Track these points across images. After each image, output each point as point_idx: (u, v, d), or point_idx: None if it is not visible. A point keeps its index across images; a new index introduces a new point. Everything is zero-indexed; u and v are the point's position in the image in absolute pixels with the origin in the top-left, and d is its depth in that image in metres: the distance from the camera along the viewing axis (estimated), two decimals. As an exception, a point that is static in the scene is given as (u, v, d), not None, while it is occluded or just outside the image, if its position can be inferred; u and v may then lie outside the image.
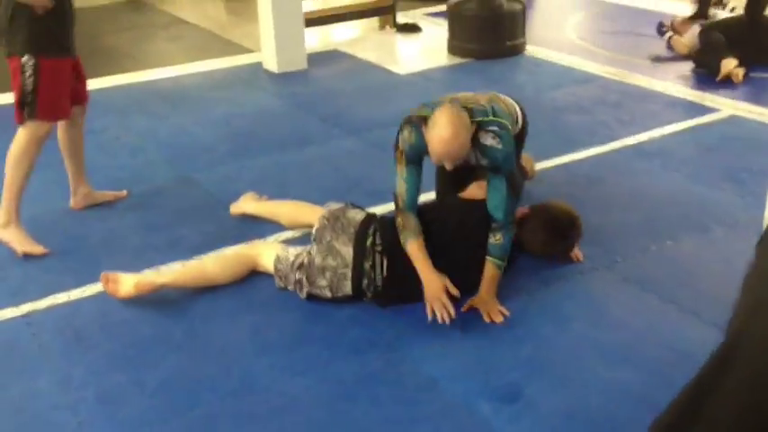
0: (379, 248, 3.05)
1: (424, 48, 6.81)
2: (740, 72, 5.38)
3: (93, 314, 3.10)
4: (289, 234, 3.62)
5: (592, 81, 5.75)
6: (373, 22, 7.53)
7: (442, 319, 2.90)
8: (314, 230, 3.17)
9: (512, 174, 3.04)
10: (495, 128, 2.99)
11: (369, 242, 3.05)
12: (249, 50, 6.85)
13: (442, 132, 2.84)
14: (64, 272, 3.40)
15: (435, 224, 3.11)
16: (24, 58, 3.44)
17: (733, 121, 4.90)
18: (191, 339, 2.95)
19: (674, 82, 5.58)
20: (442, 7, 7.54)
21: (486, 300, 3.02)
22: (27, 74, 3.45)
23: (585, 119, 5.06)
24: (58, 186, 4.12)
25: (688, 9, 7.03)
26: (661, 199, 3.96)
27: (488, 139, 2.97)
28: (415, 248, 2.99)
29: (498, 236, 3.02)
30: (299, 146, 4.76)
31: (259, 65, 6.33)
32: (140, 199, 4.12)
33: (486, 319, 2.98)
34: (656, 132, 4.76)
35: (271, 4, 5.97)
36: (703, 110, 5.06)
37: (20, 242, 3.55)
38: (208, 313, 3.10)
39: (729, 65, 5.36)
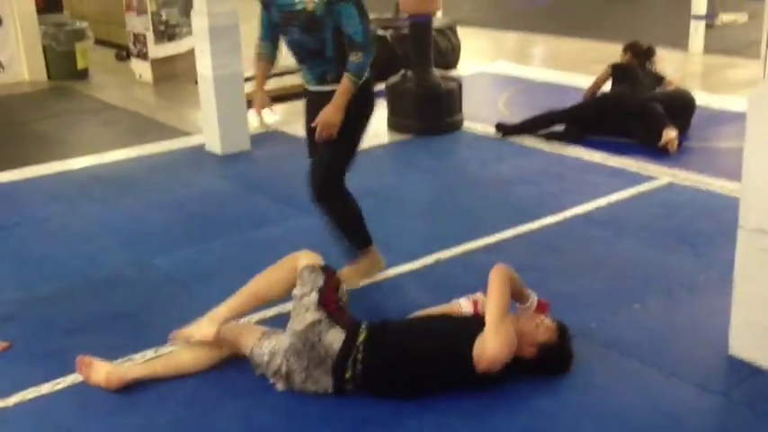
0: (359, 381, 2.93)
1: (363, 126, 6.91)
2: (676, 142, 5.66)
3: (72, 406, 2.96)
4: (266, 314, 3.54)
5: (532, 154, 5.94)
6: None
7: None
8: (286, 344, 2.97)
9: (358, 1, 3.47)
10: None
11: (348, 375, 2.93)
12: (187, 133, 6.81)
13: None
14: (32, 364, 3.24)
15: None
16: None
17: (672, 188, 5.13)
18: (177, 429, 2.83)
19: (610, 152, 5.81)
20: (376, 86, 7.70)
21: (328, 111, 3.50)
22: None
23: (533, 190, 5.21)
24: (11, 276, 3.96)
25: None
26: (621, 265, 4.09)
27: None
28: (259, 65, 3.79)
29: (359, 55, 3.48)
30: (256, 226, 4.72)
31: (200, 147, 6.29)
32: (100, 285, 3.99)
33: (319, 130, 3.50)
34: (602, 201, 4.93)
35: (213, 88, 5.98)
36: (643, 178, 5.28)
37: None
38: (191, 400, 2.99)
39: (670, 134, 5.64)
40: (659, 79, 6.40)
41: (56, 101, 8.39)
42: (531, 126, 6.24)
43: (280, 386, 2.99)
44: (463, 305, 3.27)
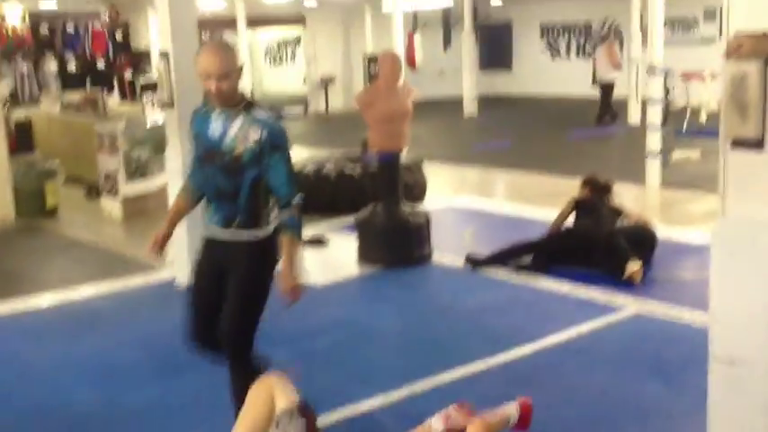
0: None
1: (333, 259, 6.99)
2: (640, 274, 5.80)
3: None
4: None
5: (501, 285, 6.02)
6: (278, 237, 7.69)
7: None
8: None
9: (288, 152, 3.40)
10: (267, 113, 3.39)
11: None
12: (156, 268, 6.81)
13: (209, 47, 3.39)
14: None
15: None
16: None
17: (640, 318, 5.21)
18: None
19: (578, 283, 5.91)
20: (345, 220, 7.85)
21: (290, 275, 3.32)
22: None
23: (504, 320, 5.26)
24: None
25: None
26: (595, 394, 4.11)
27: (262, 113, 3.34)
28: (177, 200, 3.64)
29: (293, 210, 3.32)
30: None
31: (170, 282, 6.29)
32: (71, 423, 3.89)
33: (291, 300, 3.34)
34: (573, 331, 4.99)
35: (186, 226, 6.03)
36: (610, 309, 5.37)
37: None
38: None
39: (633, 267, 5.78)
40: (618, 213, 6.62)
41: (24, 238, 8.37)
42: (500, 258, 6.36)
43: None
44: (434, 424, 3.24)
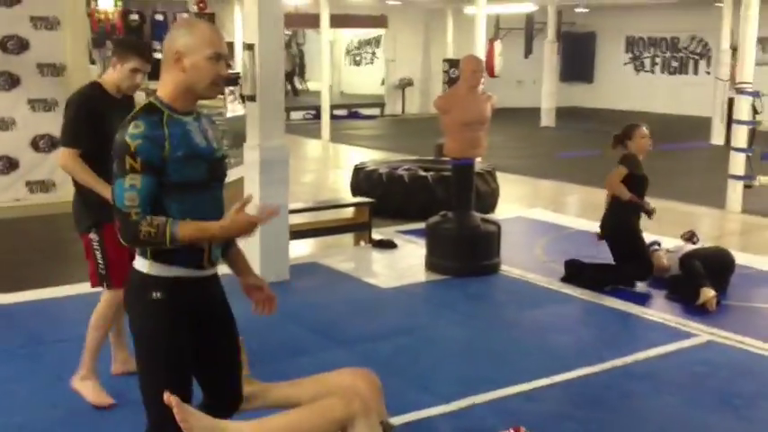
0: None
1: (401, 263, 6.98)
2: (714, 301, 5.63)
3: None
4: None
5: (569, 302, 5.92)
6: (347, 236, 7.73)
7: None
8: None
9: None
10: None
11: None
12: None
13: (205, 22, 2.70)
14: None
15: None
16: (90, 235, 3.97)
17: (712, 346, 5.06)
18: None
19: (649, 306, 5.78)
20: (415, 225, 7.84)
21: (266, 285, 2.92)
22: (96, 249, 3.96)
23: (570, 338, 5.17)
24: (45, 393, 3.96)
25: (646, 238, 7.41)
26: (662, 422, 4.00)
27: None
28: (188, 226, 2.49)
29: None
30: (290, 356, 4.72)
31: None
32: (138, 405, 3.96)
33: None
34: (641, 355, 4.87)
35: (259, 217, 6.12)
36: (682, 335, 5.22)
37: (94, 395, 3.99)
38: None
39: (708, 293, 5.62)
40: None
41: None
42: (598, 280, 6.17)
43: None
44: None
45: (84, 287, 5.90)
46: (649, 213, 6.09)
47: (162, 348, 2.59)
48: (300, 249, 7.18)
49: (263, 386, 2.98)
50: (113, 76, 4.02)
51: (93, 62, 13.90)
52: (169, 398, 2.49)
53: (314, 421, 2.66)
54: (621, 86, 22.42)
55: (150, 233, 2.45)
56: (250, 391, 2.90)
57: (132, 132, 2.46)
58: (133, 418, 3.86)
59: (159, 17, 17.35)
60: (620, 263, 6.14)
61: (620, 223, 6.10)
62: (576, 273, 6.25)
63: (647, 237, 6.36)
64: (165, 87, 2.60)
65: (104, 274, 4.00)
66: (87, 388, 4.02)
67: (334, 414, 2.65)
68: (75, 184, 4.01)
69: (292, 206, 6.78)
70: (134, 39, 11.87)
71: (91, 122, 3.90)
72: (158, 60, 2.73)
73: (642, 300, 5.92)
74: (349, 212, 7.81)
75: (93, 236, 3.99)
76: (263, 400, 2.94)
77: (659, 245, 6.54)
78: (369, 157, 12.45)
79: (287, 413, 2.78)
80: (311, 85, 24.52)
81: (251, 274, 2.92)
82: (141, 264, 2.60)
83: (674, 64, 21.48)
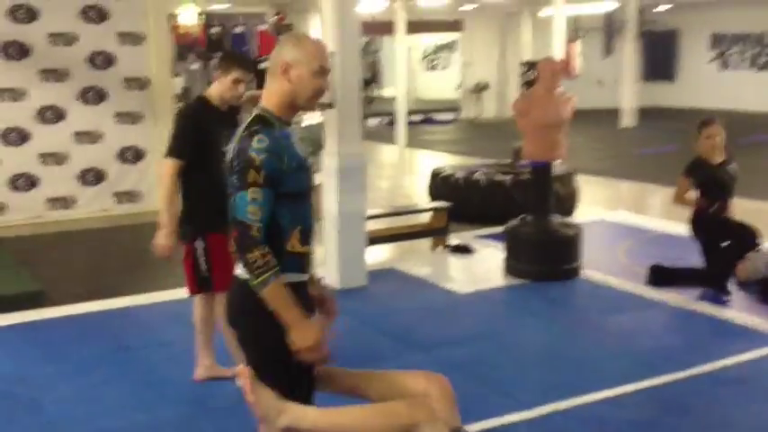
0: None
1: (479, 268, 6.93)
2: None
3: None
4: None
5: (654, 306, 5.76)
6: (424, 242, 7.72)
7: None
8: None
9: None
10: None
11: None
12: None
13: (313, 38, 2.74)
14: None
15: None
16: (195, 244, 4.10)
17: (806, 351, 4.85)
18: None
19: (739, 310, 5.58)
20: (492, 229, 7.77)
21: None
22: (199, 256, 4.10)
23: (656, 343, 5.03)
24: (133, 397, 4.07)
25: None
26: (753, 429, 3.85)
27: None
28: (279, 290, 2.52)
29: None
30: (368, 362, 4.69)
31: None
32: (217, 413, 4.04)
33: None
34: (730, 360, 4.70)
35: (338, 223, 6.17)
36: (775, 339, 5.03)
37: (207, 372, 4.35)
38: None
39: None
40: None
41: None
42: (685, 279, 6.05)
43: None
44: None
45: (170, 294, 6.10)
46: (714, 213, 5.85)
47: (284, 349, 2.59)
48: (378, 255, 7.20)
49: (339, 371, 2.98)
50: (217, 88, 4.16)
51: (176, 75, 14.29)
52: (243, 371, 2.58)
53: (378, 422, 2.65)
54: (706, 84, 21.78)
55: (256, 261, 2.49)
56: (330, 373, 2.90)
57: (257, 147, 2.52)
58: (215, 424, 3.94)
59: (238, 30, 17.69)
60: (710, 257, 5.94)
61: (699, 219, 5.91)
62: (664, 277, 6.08)
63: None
64: (270, 98, 2.68)
65: (207, 277, 4.14)
66: (214, 371, 4.37)
67: (399, 419, 2.64)
68: (183, 195, 4.16)
69: (370, 212, 6.80)
70: (236, 51, 12.13)
71: (195, 135, 4.05)
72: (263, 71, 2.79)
73: (732, 304, 5.72)
74: (426, 218, 7.79)
75: (198, 244, 4.12)
76: (338, 386, 2.94)
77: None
78: (445, 161, 12.42)
79: (352, 408, 2.77)
80: (387, 92, 24.61)
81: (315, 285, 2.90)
82: (240, 269, 2.63)
83: (763, 59, 20.74)
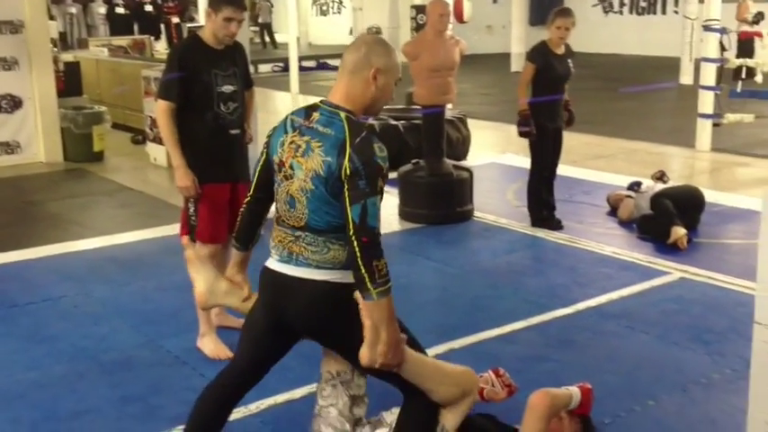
0: None
1: (374, 214, 6.96)
2: (686, 239, 5.69)
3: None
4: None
5: (541, 245, 5.97)
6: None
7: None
8: None
9: None
10: None
11: None
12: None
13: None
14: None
15: None
16: None
17: (684, 284, 5.13)
18: None
19: (621, 246, 5.84)
20: (391, 175, 7.80)
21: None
22: (191, 205, 4.02)
23: (544, 281, 5.22)
24: (23, 355, 3.94)
25: (617, 179, 7.45)
26: (634, 360, 4.06)
27: None
28: (392, 301, 2.60)
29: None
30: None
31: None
32: (111, 367, 3.97)
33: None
34: (614, 294, 4.92)
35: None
36: (654, 273, 5.29)
37: (211, 349, 4.04)
38: None
39: (679, 232, 5.68)
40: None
41: (71, 182, 8.50)
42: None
43: None
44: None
45: (54, 249, 5.90)
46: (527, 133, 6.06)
47: None
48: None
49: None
50: (209, 26, 3.99)
51: (52, 18, 13.57)
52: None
53: (450, 372, 2.85)
54: (590, 28, 22.30)
55: (383, 270, 2.52)
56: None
57: (382, 155, 2.56)
58: (108, 379, 3.86)
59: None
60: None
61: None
62: (544, 215, 6.29)
63: (627, 179, 6.37)
64: (354, 101, 2.63)
65: (193, 225, 4.06)
66: (206, 344, 4.09)
67: (466, 381, 2.85)
68: (180, 141, 3.97)
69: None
70: None
71: (185, 75, 3.88)
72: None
73: (614, 240, 5.98)
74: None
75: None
76: None
77: (639, 186, 6.55)
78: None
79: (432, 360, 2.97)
80: (279, 38, 24.16)
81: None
82: (332, 275, 2.63)
83: (643, 4, 21.39)
